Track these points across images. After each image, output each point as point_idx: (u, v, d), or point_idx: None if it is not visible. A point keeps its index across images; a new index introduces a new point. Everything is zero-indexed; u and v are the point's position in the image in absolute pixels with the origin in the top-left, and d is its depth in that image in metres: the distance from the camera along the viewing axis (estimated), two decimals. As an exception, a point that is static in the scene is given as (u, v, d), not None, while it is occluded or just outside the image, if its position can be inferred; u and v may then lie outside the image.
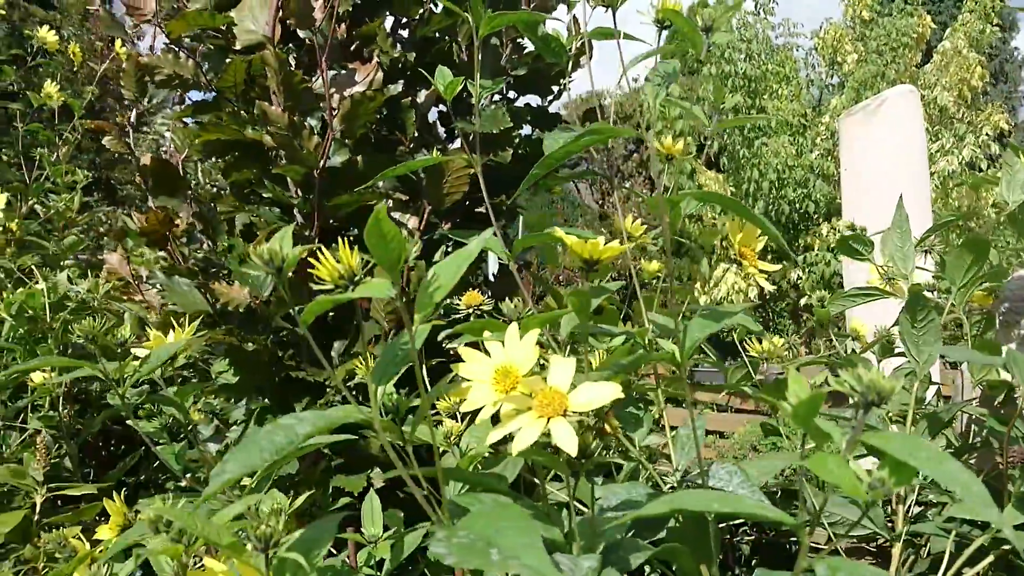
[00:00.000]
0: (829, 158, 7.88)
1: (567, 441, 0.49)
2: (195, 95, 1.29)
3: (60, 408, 1.69)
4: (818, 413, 0.44)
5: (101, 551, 0.85)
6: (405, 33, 1.22)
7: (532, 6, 1.15)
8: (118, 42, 2.57)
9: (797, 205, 7.85)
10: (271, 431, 0.44)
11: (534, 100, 1.34)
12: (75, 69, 2.56)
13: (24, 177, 2.32)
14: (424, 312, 0.44)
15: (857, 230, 1.37)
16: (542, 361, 0.61)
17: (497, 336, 0.58)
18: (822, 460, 0.43)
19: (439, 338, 0.95)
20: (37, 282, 1.71)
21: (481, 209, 1.22)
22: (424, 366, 0.71)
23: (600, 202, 9.49)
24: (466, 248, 0.47)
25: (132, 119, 1.01)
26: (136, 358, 0.92)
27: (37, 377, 1.71)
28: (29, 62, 2.56)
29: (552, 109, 1.33)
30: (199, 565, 0.57)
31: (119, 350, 0.78)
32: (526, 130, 1.29)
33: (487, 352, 0.56)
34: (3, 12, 2.21)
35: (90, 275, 1.95)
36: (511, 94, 1.25)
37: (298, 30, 0.96)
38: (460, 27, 1.17)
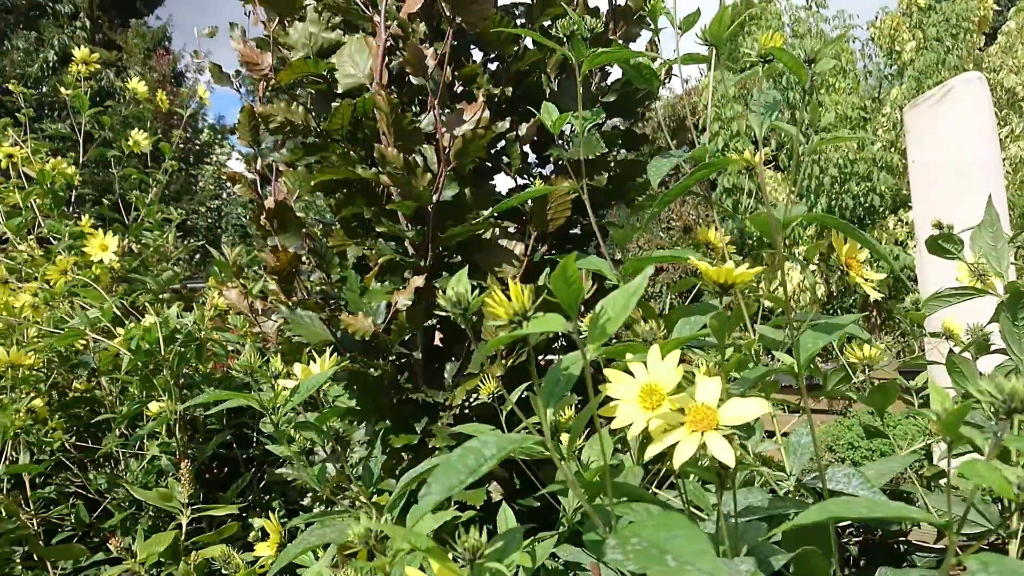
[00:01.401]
0: (892, 150, 7.74)
1: (724, 452, 0.54)
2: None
3: (177, 435, 1.79)
4: (963, 422, 0.47)
5: (260, 567, 0.93)
6: (493, 66, 1.29)
7: (618, 35, 1.20)
8: (201, 87, 2.70)
9: (861, 199, 7.72)
10: (463, 455, 0.50)
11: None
12: (165, 113, 2.69)
13: (123, 218, 2.46)
14: (597, 342, 0.49)
15: (944, 228, 1.39)
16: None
17: (639, 358, 0.63)
18: (973, 465, 0.46)
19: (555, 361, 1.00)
20: (142, 317, 1.82)
21: (575, 230, 1.27)
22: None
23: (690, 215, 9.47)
24: (633, 283, 0.52)
25: (258, 166, 1.09)
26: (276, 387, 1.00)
27: (154, 407, 1.83)
28: (120, 110, 2.71)
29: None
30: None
31: (272, 381, 0.85)
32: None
33: (631, 373, 0.61)
34: (97, 67, 2.35)
35: (195, 308, 2.06)
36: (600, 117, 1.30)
37: (411, 77, 1.03)
38: (549, 59, 1.23)
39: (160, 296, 2.39)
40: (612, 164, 1.24)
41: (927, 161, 3.35)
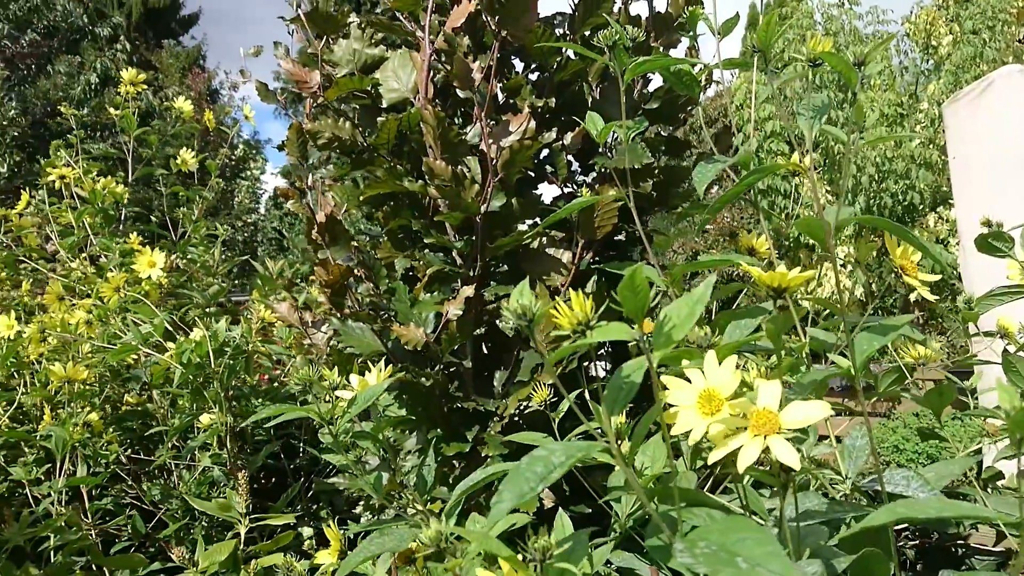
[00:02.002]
0: (931, 146, 7.62)
1: (788, 456, 0.54)
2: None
3: (228, 446, 1.83)
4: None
5: (320, 574, 0.95)
6: (534, 76, 1.30)
7: (659, 42, 1.21)
8: (247, 107, 2.76)
9: (900, 197, 7.61)
10: (532, 463, 0.51)
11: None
12: (210, 132, 2.74)
13: (170, 234, 2.52)
14: (663, 350, 0.50)
15: (993, 226, 1.37)
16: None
17: (696, 364, 0.63)
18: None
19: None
20: (190, 332, 1.86)
21: (619, 237, 1.28)
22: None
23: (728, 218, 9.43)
24: (697, 291, 0.53)
25: (309, 183, 1.12)
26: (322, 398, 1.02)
27: (205, 419, 1.86)
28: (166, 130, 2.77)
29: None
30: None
31: (330, 393, 0.87)
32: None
33: (687, 379, 0.62)
34: (144, 87, 2.41)
35: (242, 321, 2.10)
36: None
37: (459, 90, 1.05)
38: (590, 68, 1.24)
39: (207, 310, 2.44)
40: (655, 171, 1.24)
41: (968, 157, 3.30)
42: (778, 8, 10.48)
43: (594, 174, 1.32)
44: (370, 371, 0.98)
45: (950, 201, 7.45)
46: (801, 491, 1.05)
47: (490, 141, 1.01)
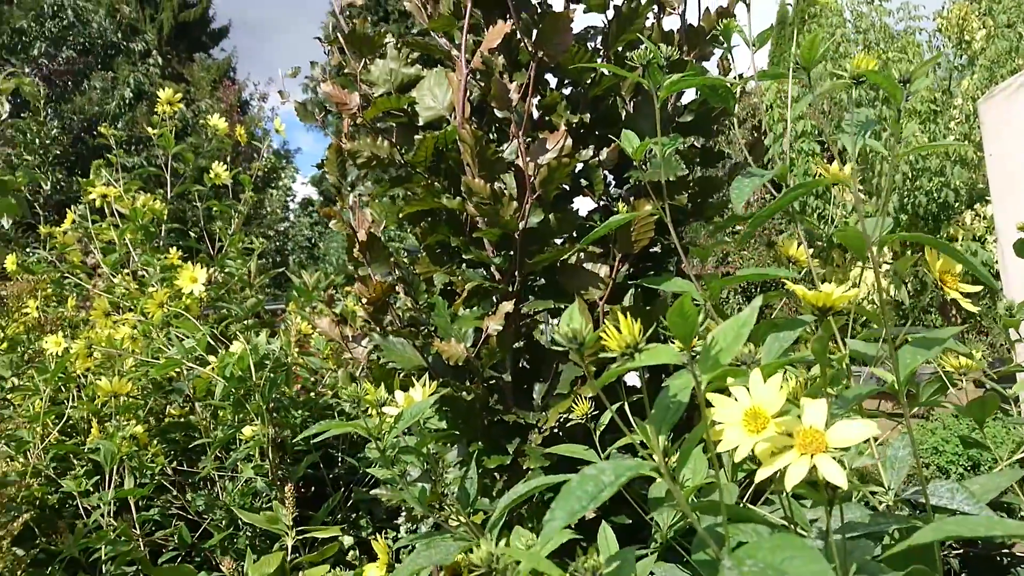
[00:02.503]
0: (966, 143, 7.50)
1: (836, 475, 0.55)
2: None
3: (270, 457, 1.86)
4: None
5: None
6: (567, 90, 1.32)
7: (692, 56, 1.22)
8: (277, 120, 2.80)
9: (934, 195, 7.50)
10: (582, 481, 0.53)
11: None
12: (240, 147, 2.79)
13: (208, 248, 2.57)
14: (711, 373, 0.51)
15: (1033, 229, 1.36)
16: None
17: (740, 381, 0.65)
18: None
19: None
20: (229, 344, 1.90)
21: (655, 249, 1.29)
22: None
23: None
24: (744, 314, 0.54)
25: (350, 202, 1.14)
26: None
27: (247, 431, 1.90)
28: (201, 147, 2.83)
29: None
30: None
31: (376, 408, 0.89)
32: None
33: (733, 397, 0.63)
34: (180, 106, 2.46)
35: (280, 333, 2.14)
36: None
37: (496, 110, 1.07)
38: (623, 82, 1.25)
39: (245, 322, 2.48)
40: (690, 182, 1.25)
41: (1005, 153, 3.25)
42: (807, 7, 10.39)
43: (628, 186, 1.34)
44: (413, 386, 1.01)
45: (987, 198, 7.33)
46: (844, 503, 1.05)
47: (528, 159, 1.03)
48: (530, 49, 1.03)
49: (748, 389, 0.63)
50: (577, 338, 0.52)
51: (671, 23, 1.26)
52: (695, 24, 1.22)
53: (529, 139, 1.08)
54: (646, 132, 1.26)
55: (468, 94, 1.14)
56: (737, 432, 0.62)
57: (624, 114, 1.24)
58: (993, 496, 0.89)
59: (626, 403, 0.95)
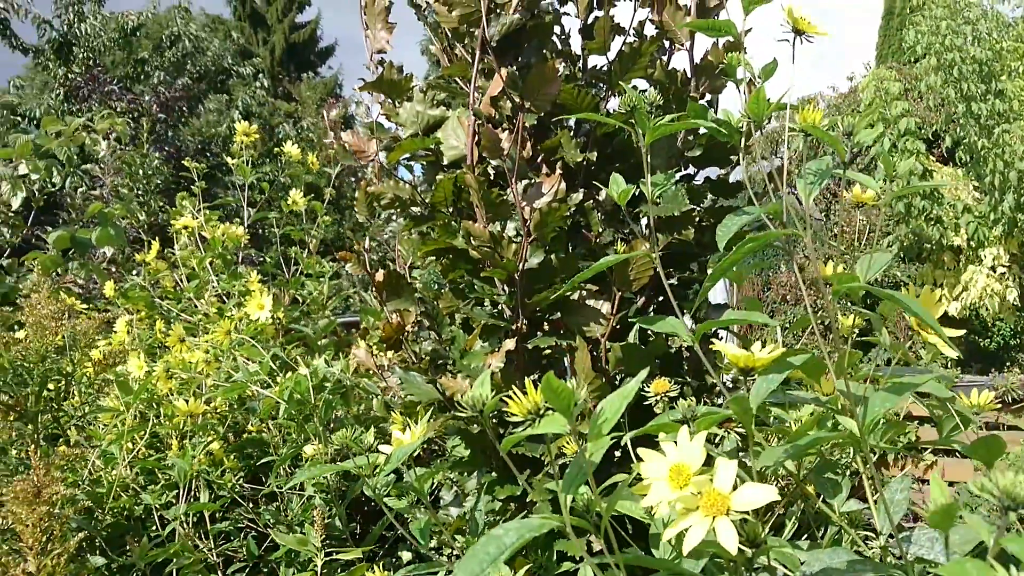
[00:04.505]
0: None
1: (728, 540, 0.56)
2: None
3: (328, 476, 1.96)
4: (954, 522, 0.47)
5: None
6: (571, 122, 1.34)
7: (702, 90, 1.23)
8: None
9: (1054, 193, 7.01)
10: (486, 543, 0.56)
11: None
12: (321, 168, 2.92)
13: (285, 273, 2.72)
14: (596, 442, 0.54)
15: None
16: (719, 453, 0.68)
17: (671, 436, 0.66)
18: (960, 568, 0.47)
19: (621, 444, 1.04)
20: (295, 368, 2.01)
21: (671, 281, 1.30)
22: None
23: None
24: (627, 387, 0.56)
25: (367, 246, 1.21)
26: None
27: (308, 449, 2.01)
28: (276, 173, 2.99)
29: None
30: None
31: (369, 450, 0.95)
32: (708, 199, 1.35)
33: (663, 452, 0.65)
34: (256, 136, 2.61)
35: (340, 357, 2.25)
36: (691, 169, 1.32)
37: (489, 160, 1.11)
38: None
39: (319, 342, 2.61)
40: (703, 213, 1.26)
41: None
42: (910, 1, 9.90)
43: (627, 227, 1.35)
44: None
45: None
46: (835, 545, 1.03)
47: (523, 203, 1.07)
48: (518, 101, 1.07)
49: (676, 444, 0.65)
50: (476, 405, 0.56)
51: (681, 59, 1.27)
52: (703, 59, 1.23)
53: (529, 182, 1.12)
54: (659, 166, 1.27)
55: (476, 139, 1.19)
56: (663, 487, 0.64)
57: (637, 149, 1.26)
58: (970, 547, 0.86)
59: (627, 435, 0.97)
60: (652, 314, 1.31)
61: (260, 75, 12.31)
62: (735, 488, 0.60)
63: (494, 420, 1.23)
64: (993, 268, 7.65)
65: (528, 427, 0.57)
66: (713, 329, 1.23)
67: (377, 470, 1.01)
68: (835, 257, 9.03)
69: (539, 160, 1.18)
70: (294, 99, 15.20)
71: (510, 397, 0.58)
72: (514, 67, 1.18)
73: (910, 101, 7.78)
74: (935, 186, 1.40)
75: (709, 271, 1.36)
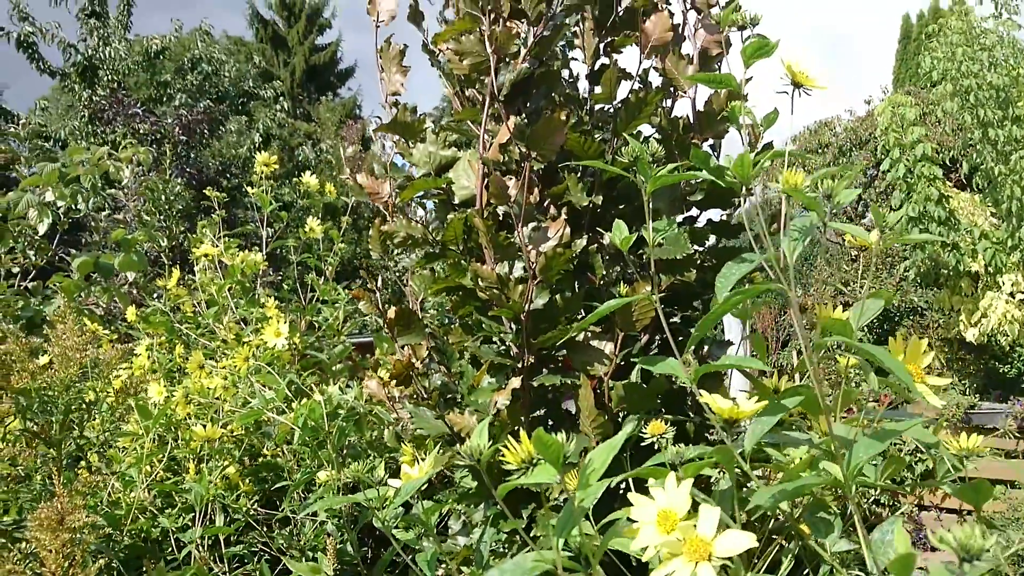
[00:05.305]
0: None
1: (711, 586, 0.60)
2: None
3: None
4: (912, 570, 0.51)
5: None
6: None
7: (705, 136, 1.27)
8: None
9: (1073, 220, 6.97)
10: (481, 583, 0.60)
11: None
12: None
13: (301, 299, 2.78)
14: (584, 492, 0.58)
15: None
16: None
17: (661, 482, 0.70)
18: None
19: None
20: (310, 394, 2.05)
21: (675, 319, 1.33)
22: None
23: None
24: (615, 439, 0.60)
25: (379, 283, 1.26)
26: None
27: (322, 475, 2.05)
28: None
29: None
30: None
31: (377, 483, 0.99)
32: (711, 239, 1.39)
33: (652, 496, 0.69)
34: (276, 166, 2.68)
35: (355, 384, 2.29)
36: (694, 211, 1.36)
37: (497, 207, 1.16)
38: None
39: (333, 369, 2.66)
40: (705, 254, 1.30)
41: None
42: (935, 20, 9.91)
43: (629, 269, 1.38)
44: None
45: None
46: (826, 585, 1.06)
47: (529, 247, 1.11)
48: (524, 150, 1.12)
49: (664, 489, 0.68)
50: (473, 455, 0.60)
51: (684, 105, 1.31)
52: (706, 106, 1.27)
53: (535, 225, 1.16)
54: (662, 209, 1.32)
55: (485, 183, 1.23)
56: (651, 531, 0.67)
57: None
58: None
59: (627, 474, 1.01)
60: (657, 351, 1.34)
61: (281, 97, 12.50)
62: (718, 534, 0.63)
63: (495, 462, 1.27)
64: (1012, 295, 7.60)
65: (522, 475, 0.61)
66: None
67: (387, 502, 1.05)
68: (851, 280, 8.99)
69: (546, 204, 1.23)
70: (314, 120, 15.41)
71: (506, 446, 0.62)
72: (523, 114, 1.23)
73: (928, 126, 7.79)
74: (922, 240, 1.43)
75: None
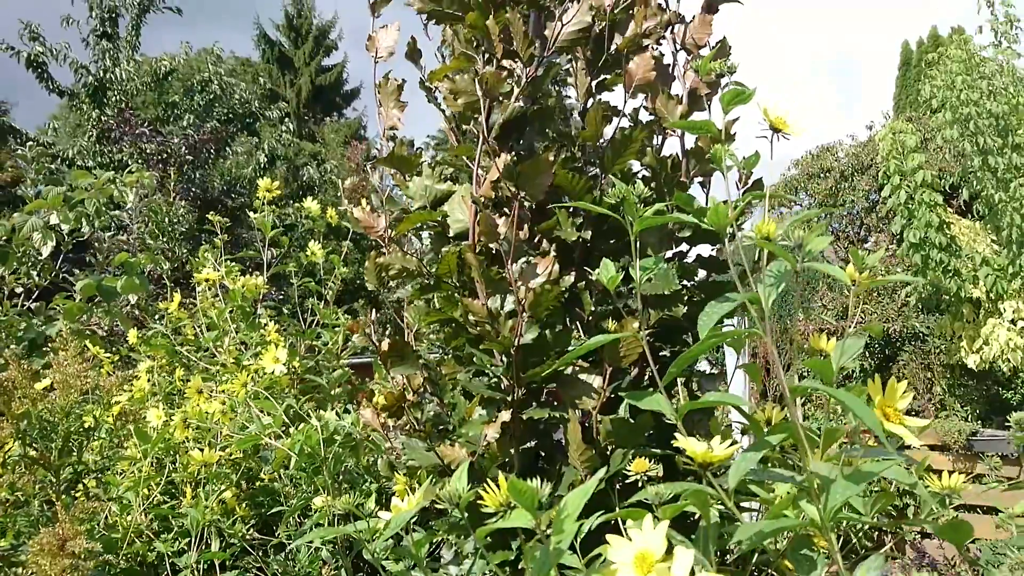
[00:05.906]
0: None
1: (684, 628, 0.62)
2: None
3: (336, 526, 2.01)
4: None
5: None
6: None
7: (693, 173, 1.30)
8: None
9: (1075, 245, 6.99)
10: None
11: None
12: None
13: (301, 323, 2.80)
14: (560, 537, 0.60)
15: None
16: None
17: (638, 524, 0.72)
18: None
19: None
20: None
21: (664, 353, 1.35)
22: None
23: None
24: (588, 484, 0.62)
25: (373, 316, 1.28)
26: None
27: (318, 501, 2.06)
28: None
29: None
30: None
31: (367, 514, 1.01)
32: (701, 273, 1.41)
33: (630, 538, 0.70)
34: (279, 192, 2.72)
35: (351, 409, 2.31)
36: (683, 247, 1.39)
37: (488, 244, 1.19)
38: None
39: (332, 393, 2.68)
40: (694, 289, 1.32)
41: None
42: (934, 48, 9.99)
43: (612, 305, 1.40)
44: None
45: None
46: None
47: (519, 283, 1.14)
48: (513, 191, 1.15)
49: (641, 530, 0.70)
50: (453, 499, 0.62)
51: (673, 144, 1.34)
52: (695, 145, 1.30)
53: (524, 261, 1.19)
54: (651, 245, 1.34)
55: (476, 219, 1.26)
56: (629, 572, 0.69)
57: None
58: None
59: (617, 506, 1.03)
60: (647, 384, 1.36)
61: (286, 119, 12.61)
62: (691, 576, 0.65)
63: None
64: (1013, 322, 7.60)
65: (499, 519, 0.63)
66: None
67: (376, 535, 1.07)
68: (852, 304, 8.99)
69: (537, 239, 1.25)
70: (319, 140, 15.52)
71: (486, 489, 0.64)
72: (515, 152, 1.26)
73: (928, 152, 7.83)
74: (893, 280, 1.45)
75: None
